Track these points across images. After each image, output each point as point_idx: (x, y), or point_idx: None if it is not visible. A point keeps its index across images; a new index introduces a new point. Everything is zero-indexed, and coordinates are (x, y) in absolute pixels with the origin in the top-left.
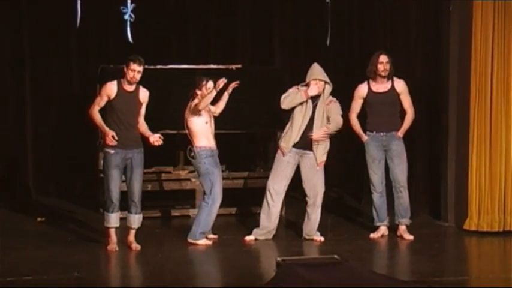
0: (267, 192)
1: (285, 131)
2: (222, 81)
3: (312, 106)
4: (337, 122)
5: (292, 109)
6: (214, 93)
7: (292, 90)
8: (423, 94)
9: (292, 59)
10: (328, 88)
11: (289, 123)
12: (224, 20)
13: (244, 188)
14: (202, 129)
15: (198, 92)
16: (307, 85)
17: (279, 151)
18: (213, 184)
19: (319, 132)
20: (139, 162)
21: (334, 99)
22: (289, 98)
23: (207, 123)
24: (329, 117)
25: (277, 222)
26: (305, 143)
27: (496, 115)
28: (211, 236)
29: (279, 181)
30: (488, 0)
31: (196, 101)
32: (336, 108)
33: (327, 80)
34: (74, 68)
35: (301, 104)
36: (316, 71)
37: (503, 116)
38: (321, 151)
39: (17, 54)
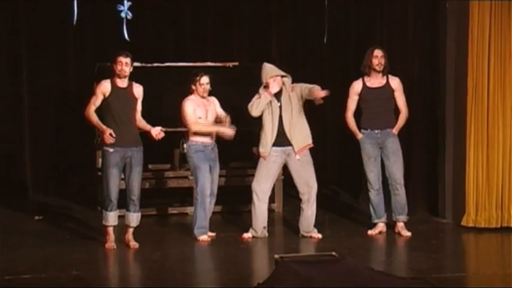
0: (254, 195)
1: (261, 137)
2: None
3: (277, 103)
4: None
5: (262, 115)
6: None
7: (254, 98)
8: (420, 92)
9: (289, 56)
10: (287, 80)
11: (262, 130)
12: (221, 18)
13: (243, 185)
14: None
15: (193, 87)
16: (266, 86)
17: (261, 158)
18: (199, 179)
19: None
20: (139, 160)
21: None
22: (256, 103)
23: (200, 118)
24: (302, 95)
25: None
26: (283, 139)
27: (493, 112)
28: (209, 233)
29: (264, 182)
30: None
31: (190, 118)
32: (301, 84)
33: (283, 73)
34: (71, 66)
35: (267, 105)
36: (270, 70)
37: (500, 113)
38: (298, 138)
39: (14, 52)
